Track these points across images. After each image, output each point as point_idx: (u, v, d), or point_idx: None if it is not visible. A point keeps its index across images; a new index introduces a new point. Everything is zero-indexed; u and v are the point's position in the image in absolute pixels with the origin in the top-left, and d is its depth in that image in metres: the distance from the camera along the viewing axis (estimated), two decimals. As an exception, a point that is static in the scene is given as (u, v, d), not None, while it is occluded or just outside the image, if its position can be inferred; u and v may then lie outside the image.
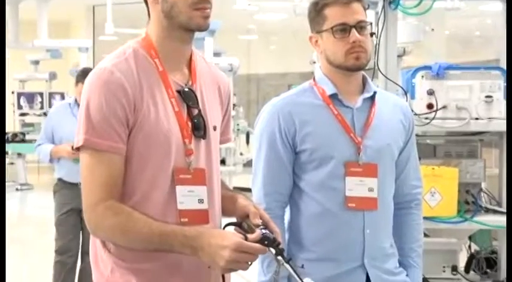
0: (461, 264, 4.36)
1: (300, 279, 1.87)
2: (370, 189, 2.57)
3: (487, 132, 4.24)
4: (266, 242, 1.86)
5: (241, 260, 1.80)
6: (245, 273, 1.87)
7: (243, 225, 1.98)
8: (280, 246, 1.88)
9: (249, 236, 1.86)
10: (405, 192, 2.74)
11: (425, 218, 3.76)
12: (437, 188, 3.93)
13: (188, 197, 1.96)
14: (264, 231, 1.87)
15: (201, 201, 1.97)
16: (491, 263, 4.28)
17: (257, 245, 1.83)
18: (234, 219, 2.04)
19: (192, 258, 1.91)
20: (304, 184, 2.58)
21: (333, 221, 2.55)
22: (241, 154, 11.76)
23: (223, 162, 11.30)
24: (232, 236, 1.82)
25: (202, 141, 2.02)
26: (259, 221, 1.94)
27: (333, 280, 2.50)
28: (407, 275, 2.71)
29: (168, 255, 1.91)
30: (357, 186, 2.55)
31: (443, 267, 4.20)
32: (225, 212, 2.09)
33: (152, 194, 1.92)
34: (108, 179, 1.89)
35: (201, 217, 1.97)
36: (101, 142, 1.88)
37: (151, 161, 1.92)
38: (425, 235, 4.16)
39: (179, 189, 1.95)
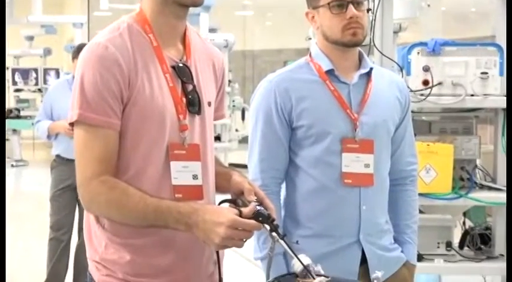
0: (456, 240, 4.37)
1: (295, 255, 1.87)
2: (366, 166, 2.57)
3: (482, 109, 4.23)
4: (260, 218, 1.85)
5: (236, 237, 1.80)
6: (241, 249, 1.86)
7: (237, 202, 1.98)
8: (275, 223, 1.88)
9: (243, 210, 1.85)
10: (400, 168, 2.74)
11: (420, 194, 3.77)
12: (432, 165, 3.93)
13: (182, 173, 1.95)
14: (258, 207, 1.87)
15: (195, 177, 1.97)
16: (485, 239, 4.29)
17: (252, 222, 1.82)
18: (227, 196, 2.04)
19: (186, 233, 1.91)
20: (301, 160, 2.58)
21: (329, 197, 2.55)
22: (236, 130, 11.76)
23: (218, 138, 11.29)
24: (227, 212, 1.82)
25: (197, 117, 2.01)
26: (253, 198, 1.93)
27: (329, 256, 2.51)
28: (402, 251, 2.72)
29: (162, 231, 1.91)
30: (353, 163, 2.55)
31: (438, 243, 4.21)
32: (219, 189, 2.09)
33: (146, 170, 1.92)
34: (103, 154, 1.88)
35: (195, 193, 1.97)
36: (96, 117, 1.87)
37: (146, 137, 1.91)
38: (420, 211, 4.16)
39: (173, 164, 1.94)
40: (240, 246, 1.81)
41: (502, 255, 4.22)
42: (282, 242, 1.87)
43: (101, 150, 1.88)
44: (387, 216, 2.69)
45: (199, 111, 2.01)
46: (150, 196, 1.87)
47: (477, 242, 4.27)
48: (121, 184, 1.88)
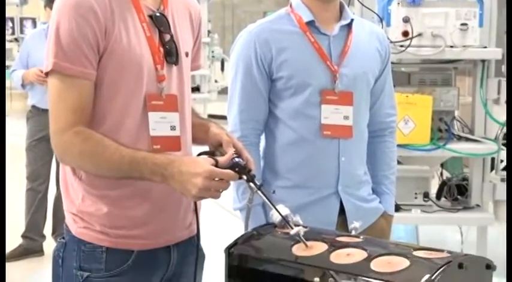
0: (433, 190, 4.43)
1: (273, 205, 1.88)
2: (346, 117, 2.58)
3: (462, 60, 4.25)
4: (237, 169, 1.85)
5: (213, 187, 1.80)
6: (220, 200, 1.87)
7: (215, 154, 1.98)
8: (252, 173, 1.88)
9: (219, 159, 1.85)
10: (380, 120, 2.76)
11: (398, 145, 3.79)
12: (411, 116, 3.95)
13: (160, 124, 1.94)
14: (236, 158, 1.87)
15: (173, 128, 1.96)
16: (462, 189, 4.35)
17: (229, 172, 1.82)
18: (204, 148, 2.04)
19: (163, 185, 1.92)
20: (280, 112, 2.59)
21: (308, 148, 2.57)
22: (216, 81, 11.73)
23: (197, 89, 11.25)
24: (204, 163, 1.81)
25: (174, 68, 2.00)
26: (232, 150, 1.94)
27: (307, 207, 2.53)
28: (380, 202, 2.75)
29: (138, 182, 1.91)
30: (333, 114, 2.56)
31: (415, 193, 4.26)
32: (196, 140, 2.08)
33: (124, 121, 1.90)
34: (78, 104, 1.85)
35: (173, 144, 1.96)
36: (71, 67, 1.84)
37: (123, 87, 1.89)
38: (398, 162, 4.19)
39: (151, 115, 1.93)
40: (217, 197, 1.82)
41: (478, 205, 4.28)
42: (259, 192, 1.88)
43: (75, 101, 1.85)
44: (366, 167, 2.71)
45: (176, 62, 1.99)
46: (126, 147, 1.86)
47: (454, 192, 4.32)
48: (96, 135, 1.86)
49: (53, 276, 2.02)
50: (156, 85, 1.94)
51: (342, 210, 2.62)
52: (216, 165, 1.83)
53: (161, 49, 1.96)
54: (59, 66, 1.84)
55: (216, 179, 1.80)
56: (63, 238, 2.01)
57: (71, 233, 1.98)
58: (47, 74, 1.88)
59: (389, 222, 2.77)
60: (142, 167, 1.82)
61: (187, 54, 2.05)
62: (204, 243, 2.05)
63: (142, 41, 1.92)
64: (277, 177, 2.60)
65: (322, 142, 2.57)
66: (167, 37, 1.98)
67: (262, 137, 2.66)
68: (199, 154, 1.98)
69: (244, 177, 1.86)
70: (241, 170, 1.86)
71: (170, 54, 1.97)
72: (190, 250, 2.06)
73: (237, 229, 2.33)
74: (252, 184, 1.88)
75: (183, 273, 2.04)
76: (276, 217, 1.87)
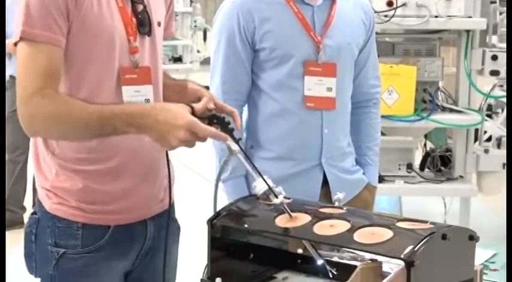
0: (417, 162, 4.45)
1: (253, 165, 1.85)
2: (329, 89, 2.58)
3: (446, 31, 4.25)
4: (215, 121, 1.81)
5: (194, 140, 1.77)
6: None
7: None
8: (231, 126, 1.83)
9: (195, 106, 1.80)
10: (364, 91, 2.76)
11: (382, 116, 3.80)
12: (394, 87, 3.96)
13: (134, 98, 1.90)
14: (215, 113, 1.83)
15: (147, 101, 1.93)
16: (445, 160, 4.38)
17: (211, 129, 1.78)
18: None
19: (140, 158, 1.90)
20: (263, 83, 2.58)
21: (291, 120, 2.57)
22: (198, 51, 11.66)
23: (179, 59, 11.20)
24: (184, 113, 1.76)
25: (147, 39, 1.96)
26: (212, 106, 1.92)
27: (290, 178, 2.54)
28: (363, 173, 2.76)
29: (115, 157, 1.89)
30: (316, 86, 2.56)
31: (399, 165, 4.28)
32: (173, 101, 2.05)
33: (98, 96, 1.85)
34: (46, 70, 1.80)
35: None
36: (40, 33, 1.79)
37: (96, 61, 1.86)
38: (382, 133, 4.21)
39: (125, 90, 1.89)
40: (193, 146, 1.79)
41: (462, 176, 4.32)
42: (241, 156, 1.84)
43: (44, 67, 1.79)
44: (349, 139, 2.72)
45: (149, 32, 1.96)
46: (93, 104, 1.80)
47: (437, 163, 4.35)
48: (63, 96, 1.81)
49: (25, 252, 1.98)
50: (128, 57, 1.91)
51: (325, 182, 2.63)
52: (193, 112, 1.79)
53: (134, 20, 1.92)
54: (27, 33, 1.81)
55: (197, 133, 1.76)
56: (35, 213, 1.97)
57: (44, 209, 1.95)
58: (16, 43, 1.85)
59: (372, 194, 2.78)
60: (114, 121, 1.77)
61: (159, 24, 2.01)
62: (185, 215, 2.06)
63: (114, 12, 1.87)
64: (260, 148, 2.61)
65: (305, 114, 2.57)
66: (140, 7, 1.94)
67: (245, 109, 2.65)
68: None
69: (229, 143, 1.82)
70: (219, 121, 1.81)
71: (143, 24, 1.94)
72: (165, 221, 2.06)
73: (219, 200, 2.34)
74: (232, 144, 1.82)
75: (160, 246, 2.03)
76: (259, 189, 1.87)
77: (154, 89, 1.95)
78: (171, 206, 2.06)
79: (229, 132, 1.82)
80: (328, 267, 1.91)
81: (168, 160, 2.01)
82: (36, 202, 1.99)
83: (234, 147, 1.83)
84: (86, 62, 1.85)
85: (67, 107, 1.79)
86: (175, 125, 1.74)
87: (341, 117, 2.65)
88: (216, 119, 1.81)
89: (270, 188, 1.83)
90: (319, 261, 1.91)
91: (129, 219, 1.96)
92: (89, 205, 1.92)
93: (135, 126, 1.77)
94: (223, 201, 2.14)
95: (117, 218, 1.94)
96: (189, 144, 1.77)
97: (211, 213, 1.87)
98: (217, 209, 1.88)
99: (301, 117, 2.57)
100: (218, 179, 1.89)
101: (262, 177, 1.84)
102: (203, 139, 1.78)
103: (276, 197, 1.81)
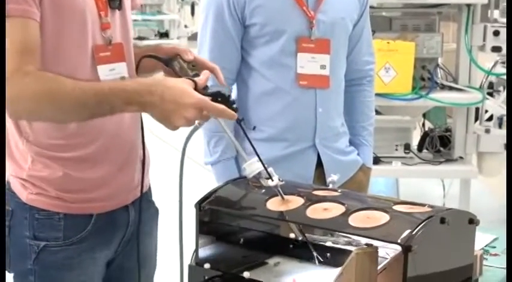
0: (415, 142, 4.47)
1: (253, 149, 1.85)
2: (322, 67, 2.57)
3: (446, 5, 4.24)
4: (219, 98, 1.77)
5: (200, 119, 1.75)
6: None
7: (173, 64, 1.91)
8: (235, 106, 1.80)
9: (197, 80, 1.77)
10: (357, 68, 2.75)
11: (378, 94, 3.83)
12: (392, 63, 3.96)
13: (110, 76, 1.88)
14: (219, 90, 1.80)
15: (122, 78, 1.92)
16: (444, 141, 4.39)
17: (221, 107, 1.75)
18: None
19: (120, 142, 1.89)
20: (254, 61, 2.57)
21: (284, 99, 2.56)
22: (185, 27, 11.63)
23: (166, 35, 11.17)
24: (192, 91, 1.73)
25: (118, 13, 1.94)
26: (191, 57, 1.90)
27: (283, 160, 2.54)
28: (358, 154, 2.76)
29: (96, 141, 1.87)
30: (309, 63, 2.55)
31: (396, 145, 4.29)
32: (145, 69, 2.01)
33: (73, 76, 1.84)
34: (23, 46, 1.75)
35: None
36: (14, 7, 1.75)
37: (69, 39, 1.83)
38: (378, 113, 4.23)
39: (101, 69, 1.87)
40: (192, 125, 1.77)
41: (461, 157, 4.33)
42: (231, 136, 1.83)
43: (20, 42, 1.74)
44: (343, 118, 2.72)
45: (120, 6, 1.94)
46: (85, 81, 1.77)
47: (436, 144, 4.37)
48: (46, 73, 1.76)
49: None
50: (100, 34, 1.89)
51: (319, 164, 2.63)
52: (196, 88, 1.76)
53: None
54: None
55: (205, 112, 1.74)
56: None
57: (19, 200, 1.91)
58: None
59: (367, 175, 2.79)
60: (112, 98, 1.72)
61: None
62: (172, 198, 2.05)
63: None
64: (250, 129, 2.60)
65: (298, 92, 2.56)
66: None
67: (234, 87, 2.65)
68: (143, 57, 1.92)
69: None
70: (224, 100, 1.77)
71: None
72: (146, 206, 2.06)
73: (208, 183, 2.34)
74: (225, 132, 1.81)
75: (141, 231, 2.03)
76: (250, 171, 1.87)
77: (128, 65, 1.94)
78: (149, 188, 2.07)
79: (234, 111, 1.80)
80: (315, 253, 1.91)
81: (143, 142, 2.01)
82: (9, 193, 1.93)
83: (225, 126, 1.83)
84: (59, 41, 1.82)
85: (55, 85, 1.74)
86: (184, 103, 1.71)
87: (335, 95, 2.65)
88: (221, 97, 1.77)
89: (265, 168, 1.82)
90: (312, 246, 1.92)
91: (112, 206, 1.96)
92: (70, 194, 1.90)
93: (136, 104, 1.73)
94: (212, 185, 2.14)
95: (99, 206, 1.94)
96: (192, 123, 1.75)
97: (199, 196, 1.87)
98: (205, 192, 1.88)
99: (294, 96, 2.57)
100: (185, 146, 1.83)
101: (258, 156, 1.83)
102: (207, 118, 1.77)
103: (271, 178, 1.81)
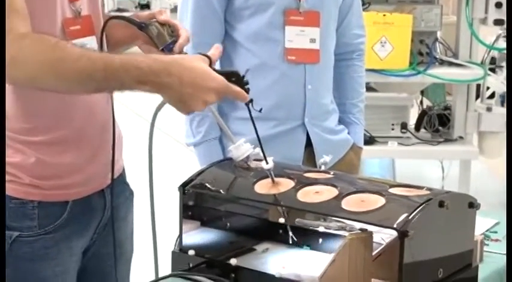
0: (412, 121, 4.47)
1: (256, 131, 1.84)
2: (312, 40, 2.57)
3: (446, -26, 4.23)
4: (233, 79, 1.74)
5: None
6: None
7: (150, 29, 1.87)
8: (247, 86, 1.79)
9: (211, 55, 1.74)
10: (347, 41, 2.75)
11: (373, 70, 3.83)
12: (388, 37, 3.95)
13: None
14: (233, 70, 1.76)
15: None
16: (443, 120, 4.39)
17: (241, 91, 1.75)
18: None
19: (95, 123, 1.88)
20: (239, 35, 2.57)
21: (271, 75, 2.56)
22: (167, -3, 11.56)
23: (147, 6, 11.11)
24: (214, 74, 1.70)
25: None
26: (166, 17, 1.88)
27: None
28: (348, 133, 2.77)
29: (70, 123, 1.86)
30: (298, 37, 2.55)
31: (392, 124, 4.30)
32: (120, 42, 2.00)
33: None
34: (11, 7, 1.69)
35: None
36: None
37: (39, 13, 1.80)
38: (373, 90, 4.24)
39: None
40: None
41: (461, 137, 4.34)
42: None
43: (8, 3, 1.68)
44: (332, 95, 2.72)
45: None
46: (92, 51, 1.72)
47: (435, 123, 4.37)
48: (49, 37, 1.70)
49: None
50: (69, 7, 1.88)
51: (308, 144, 2.64)
52: (210, 64, 1.73)
53: None
54: None
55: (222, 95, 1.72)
56: None
57: None
58: None
59: (358, 155, 2.80)
60: (123, 74, 1.66)
61: None
62: (156, 181, 2.05)
63: None
64: (235, 107, 2.60)
65: (287, 68, 2.56)
66: None
67: (217, 63, 2.63)
68: (110, 19, 1.89)
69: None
70: (238, 80, 1.75)
71: None
72: (121, 189, 2.07)
73: (192, 164, 2.35)
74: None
75: (118, 216, 2.04)
76: (238, 154, 1.86)
77: (97, 38, 1.91)
78: (123, 170, 2.07)
79: (247, 92, 1.77)
80: (290, 233, 1.92)
81: (114, 121, 1.99)
82: None
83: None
84: (31, 15, 1.80)
85: (59, 51, 1.68)
86: (206, 87, 1.68)
87: (325, 71, 2.65)
88: (235, 77, 1.75)
89: (263, 151, 1.82)
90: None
91: (87, 191, 1.95)
92: (44, 181, 1.88)
93: (150, 84, 1.67)
94: (196, 167, 2.14)
95: (75, 192, 1.93)
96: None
97: (183, 179, 1.87)
98: (190, 175, 1.88)
99: (282, 72, 2.56)
100: (154, 118, 1.81)
101: (259, 140, 1.83)
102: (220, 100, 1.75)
103: (266, 161, 1.81)
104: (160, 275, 1.82)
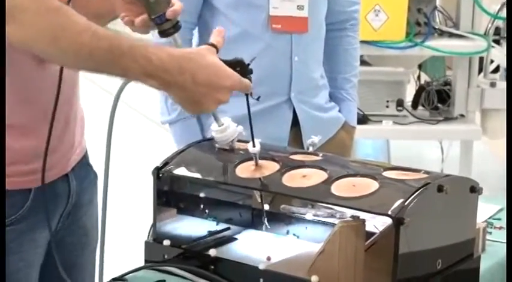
0: (408, 98, 4.48)
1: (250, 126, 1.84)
2: (300, 7, 2.57)
3: None
4: (238, 68, 1.76)
5: None
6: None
7: None
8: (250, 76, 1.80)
9: (216, 42, 1.76)
10: (339, 9, 2.76)
11: (367, 42, 3.83)
12: (382, 5, 3.96)
13: None
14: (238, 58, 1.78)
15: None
16: (443, 96, 4.41)
17: (250, 84, 1.76)
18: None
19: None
20: (218, 1, 2.56)
21: (254, 46, 2.56)
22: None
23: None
24: (229, 71, 1.71)
25: None
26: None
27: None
28: (340, 111, 2.77)
29: (32, 106, 1.86)
30: (284, 3, 2.55)
31: (387, 101, 4.31)
32: (101, 15, 1.96)
33: None
34: None
35: None
36: None
37: None
38: (367, 63, 4.24)
39: None
40: None
41: (463, 115, 4.36)
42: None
43: None
44: (323, 69, 2.73)
45: None
46: (100, 26, 1.66)
47: (434, 100, 4.38)
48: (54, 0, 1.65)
49: None
50: None
51: (294, 123, 2.64)
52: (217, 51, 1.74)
53: None
54: None
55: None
56: None
57: None
58: None
59: (351, 135, 2.81)
60: (130, 63, 1.63)
61: None
62: (127, 162, 2.05)
63: None
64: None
65: (271, 38, 2.57)
66: None
67: (195, 32, 2.64)
68: None
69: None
70: (242, 70, 1.76)
71: None
72: (85, 172, 2.07)
73: (167, 145, 2.35)
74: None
75: (82, 201, 2.05)
76: (221, 139, 1.86)
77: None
78: (86, 151, 2.08)
79: (251, 81, 1.78)
80: (265, 220, 1.94)
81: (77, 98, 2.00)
82: None
83: None
84: None
85: (63, 17, 1.63)
86: (220, 86, 1.69)
87: (314, 42, 2.65)
88: (240, 66, 1.76)
89: (252, 134, 1.82)
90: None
91: (52, 177, 1.95)
92: (7, 167, 1.89)
93: (158, 79, 1.65)
94: (171, 148, 2.14)
95: (39, 178, 1.93)
96: None
97: (157, 161, 1.87)
98: (165, 156, 1.88)
99: (266, 42, 2.57)
100: (119, 95, 1.79)
101: (251, 130, 1.84)
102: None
103: (254, 144, 1.81)
104: (132, 267, 1.82)
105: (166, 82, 1.66)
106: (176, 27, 1.82)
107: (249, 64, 1.78)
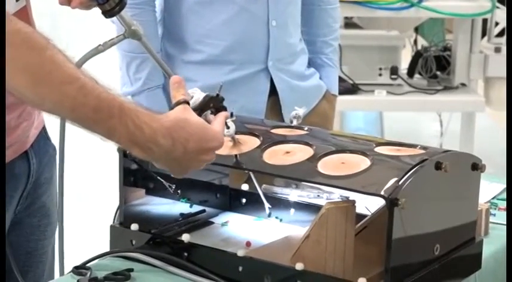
0: (404, 65, 4.50)
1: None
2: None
3: None
4: (212, 105, 1.78)
5: None
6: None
7: None
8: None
9: (182, 99, 1.74)
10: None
11: (357, 2, 3.84)
12: (374, -39, 3.96)
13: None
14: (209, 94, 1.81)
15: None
16: (442, 63, 4.42)
17: (224, 124, 1.79)
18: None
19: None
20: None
21: (227, 10, 2.55)
22: None
23: None
24: (214, 131, 1.73)
25: None
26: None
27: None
28: (320, 78, 2.78)
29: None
30: (258, -40, 2.56)
31: (380, 69, 4.32)
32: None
33: None
34: None
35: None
36: None
37: None
38: (357, 26, 4.25)
39: None
40: None
41: (464, 84, 4.37)
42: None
43: None
44: (300, 33, 2.73)
45: None
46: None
47: (432, 67, 4.40)
48: (39, 37, 1.61)
49: None
50: None
51: (272, 93, 2.65)
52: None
53: None
54: None
55: None
56: None
57: None
58: None
59: (332, 105, 2.81)
60: (117, 125, 1.63)
61: None
62: (88, 136, 2.04)
63: None
64: (183, 49, 2.60)
65: (245, 0, 2.56)
66: None
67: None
68: None
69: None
70: (215, 102, 1.79)
71: None
72: (44, 146, 2.08)
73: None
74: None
75: (41, 179, 2.06)
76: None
77: None
78: (44, 125, 2.09)
79: (225, 109, 1.80)
80: (267, 205, 1.94)
81: None
82: None
83: None
84: None
85: (49, 62, 1.60)
86: (208, 149, 1.72)
87: (292, 4, 2.65)
88: (212, 102, 1.79)
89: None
90: (271, 200, 1.95)
91: (10, 156, 1.96)
92: None
93: (146, 150, 1.65)
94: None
95: None
96: None
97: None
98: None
99: (240, 5, 2.56)
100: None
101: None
102: None
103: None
104: (96, 253, 1.83)
105: (154, 153, 1.67)
106: (121, 5, 1.83)
107: (218, 94, 1.80)
